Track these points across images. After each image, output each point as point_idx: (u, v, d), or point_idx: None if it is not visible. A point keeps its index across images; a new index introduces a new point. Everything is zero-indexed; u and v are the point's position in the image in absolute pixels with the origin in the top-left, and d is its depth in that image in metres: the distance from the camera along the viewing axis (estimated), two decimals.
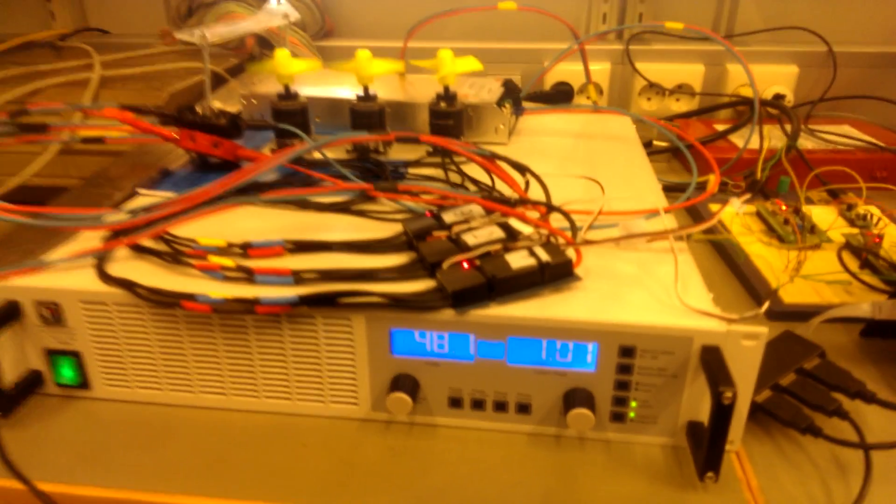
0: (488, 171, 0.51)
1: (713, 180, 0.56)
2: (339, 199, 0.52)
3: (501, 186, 0.53)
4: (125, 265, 0.43)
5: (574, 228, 0.43)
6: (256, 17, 0.81)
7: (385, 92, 0.65)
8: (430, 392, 0.41)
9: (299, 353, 0.41)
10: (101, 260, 0.43)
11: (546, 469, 0.39)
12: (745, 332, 0.36)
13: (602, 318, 0.37)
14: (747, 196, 0.42)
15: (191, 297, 0.39)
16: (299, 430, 0.42)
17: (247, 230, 0.48)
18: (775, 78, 0.88)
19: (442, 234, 0.44)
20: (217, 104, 0.61)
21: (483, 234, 0.42)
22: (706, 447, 0.35)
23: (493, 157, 0.48)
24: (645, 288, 0.40)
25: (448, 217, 0.45)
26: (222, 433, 0.42)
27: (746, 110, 0.89)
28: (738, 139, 0.80)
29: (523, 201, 0.44)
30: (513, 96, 0.69)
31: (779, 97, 0.92)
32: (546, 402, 0.40)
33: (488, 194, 0.49)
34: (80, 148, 0.62)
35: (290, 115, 0.60)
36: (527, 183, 0.50)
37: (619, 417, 0.40)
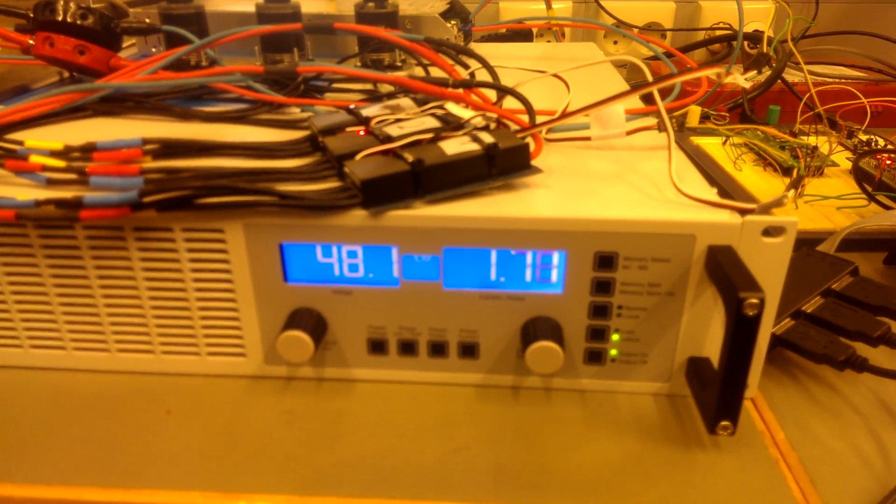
0: (421, 62, 0.41)
1: (703, 81, 0.46)
2: (231, 108, 0.40)
3: None
4: None
5: (531, 112, 0.32)
6: None
7: (307, 8, 0.54)
8: (341, 333, 0.30)
9: (157, 284, 0.30)
10: None
11: (500, 430, 0.28)
12: (767, 224, 0.26)
13: (572, 214, 0.27)
14: (752, 72, 0.33)
15: None
16: (166, 392, 0.31)
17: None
18: (753, 14, 0.80)
19: (358, 128, 0.33)
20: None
21: (412, 125, 0.32)
22: (720, 386, 0.25)
23: (428, 42, 0.37)
24: (627, 182, 0.30)
25: (368, 112, 0.34)
26: (59, 400, 0.30)
27: (721, 50, 0.80)
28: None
29: (464, 83, 0.34)
30: (461, 16, 0.58)
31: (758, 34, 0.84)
32: (498, 339, 0.29)
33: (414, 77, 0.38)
34: None
35: (182, 20, 0.48)
36: (472, 75, 0.39)
37: (596, 357, 0.29)
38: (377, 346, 0.30)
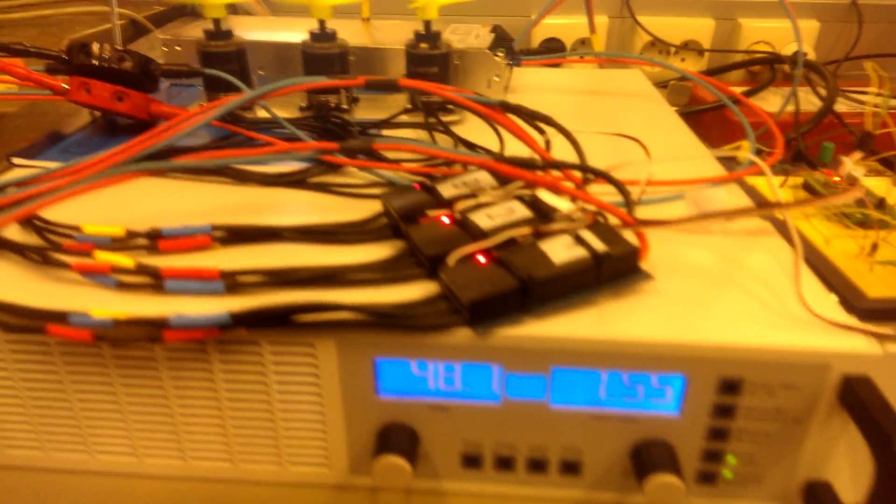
0: (494, 127, 0.38)
1: (779, 143, 0.45)
2: (289, 169, 0.38)
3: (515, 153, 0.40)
4: None
5: (630, 202, 0.30)
6: None
7: (348, 38, 0.51)
8: (434, 447, 0.28)
9: (239, 397, 0.27)
10: None
11: None
12: None
13: (692, 337, 0.25)
14: (859, 154, 0.31)
15: (61, 317, 0.25)
16: (244, 503, 0.29)
17: (159, 214, 0.33)
18: (792, 33, 0.77)
19: (440, 213, 0.31)
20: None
21: (500, 213, 0.29)
22: None
23: (504, 106, 0.35)
24: (741, 288, 0.28)
25: (446, 190, 0.32)
26: None
27: (761, 72, 0.78)
28: (758, 102, 0.69)
29: (552, 164, 0.32)
30: (505, 45, 0.56)
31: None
32: (604, 458, 0.28)
33: (501, 157, 0.36)
34: None
35: (223, 59, 0.45)
36: (547, 143, 0.37)
37: (708, 478, 0.28)
38: (472, 461, 0.28)
